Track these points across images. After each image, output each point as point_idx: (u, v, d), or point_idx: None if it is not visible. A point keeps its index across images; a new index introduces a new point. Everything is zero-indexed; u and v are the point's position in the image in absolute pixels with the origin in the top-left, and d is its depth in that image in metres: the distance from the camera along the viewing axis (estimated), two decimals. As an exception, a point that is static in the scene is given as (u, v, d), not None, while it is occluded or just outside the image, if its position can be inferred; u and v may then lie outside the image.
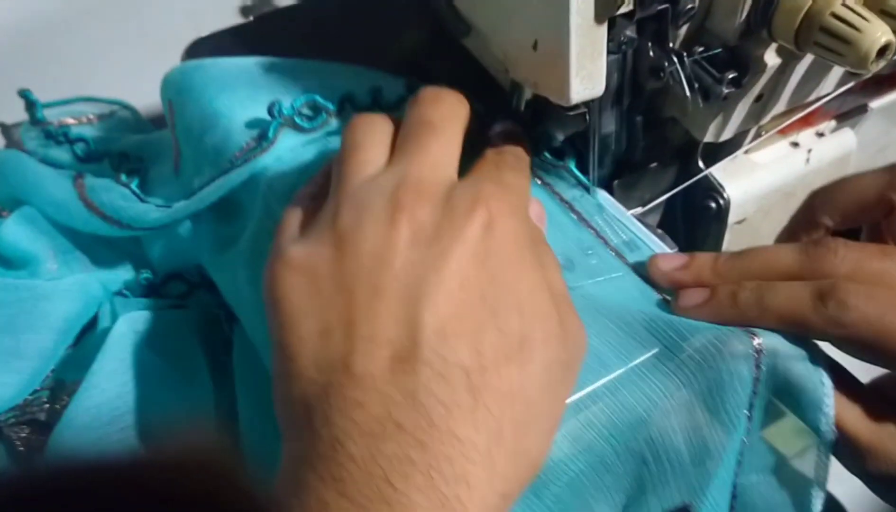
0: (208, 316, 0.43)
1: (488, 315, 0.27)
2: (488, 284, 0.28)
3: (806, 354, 0.31)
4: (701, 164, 0.41)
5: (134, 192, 0.43)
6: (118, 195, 0.42)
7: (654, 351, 0.31)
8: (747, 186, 0.41)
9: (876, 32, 0.30)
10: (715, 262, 0.34)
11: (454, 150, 0.32)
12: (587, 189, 0.38)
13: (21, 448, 0.41)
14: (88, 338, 0.43)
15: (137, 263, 0.46)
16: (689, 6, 0.33)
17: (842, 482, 0.36)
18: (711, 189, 0.41)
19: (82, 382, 0.38)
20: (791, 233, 0.37)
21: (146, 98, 0.56)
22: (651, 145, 0.40)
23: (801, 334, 0.31)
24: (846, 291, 0.30)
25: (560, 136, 0.38)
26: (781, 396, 0.32)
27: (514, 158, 0.34)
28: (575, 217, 0.37)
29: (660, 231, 0.38)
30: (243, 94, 0.41)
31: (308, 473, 0.25)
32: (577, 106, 0.34)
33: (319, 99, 0.40)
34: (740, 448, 0.33)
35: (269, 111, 0.38)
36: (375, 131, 0.33)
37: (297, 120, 0.39)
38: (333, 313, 0.27)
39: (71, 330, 0.43)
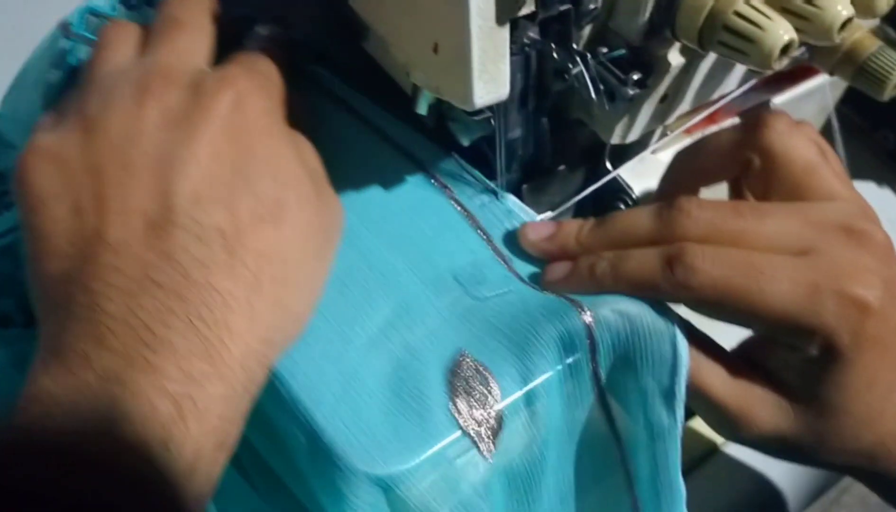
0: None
1: (242, 182, 0.29)
2: (240, 155, 0.29)
3: (660, 319, 0.32)
4: (609, 165, 0.40)
5: None
6: None
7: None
8: (655, 186, 0.40)
9: (779, 30, 0.30)
10: (579, 231, 0.34)
11: (202, 40, 0.34)
12: (496, 194, 0.37)
13: None
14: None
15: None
16: (592, 6, 0.32)
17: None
18: (620, 190, 0.40)
19: None
20: (661, 196, 0.38)
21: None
22: (559, 148, 0.39)
23: (655, 300, 0.32)
24: (693, 255, 0.30)
25: (466, 141, 0.37)
26: (631, 363, 0.32)
27: (269, 56, 0.35)
28: (472, 226, 0.36)
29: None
30: None
31: (67, 337, 0.26)
32: (481, 110, 0.33)
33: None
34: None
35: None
36: (124, 31, 0.34)
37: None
38: (84, 192, 0.28)
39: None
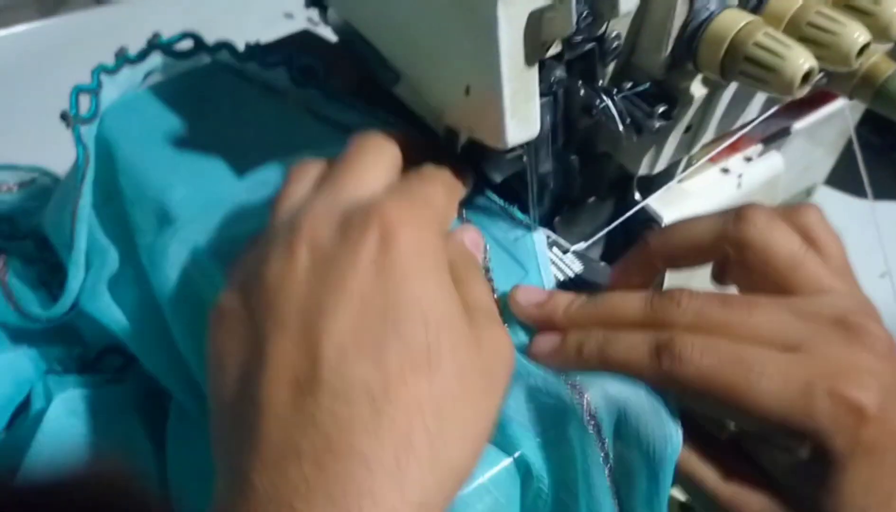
0: (148, 389, 0.42)
1: (390, 328, 0.27)
2: (388, 300, 0.28)
3: (658, 406, 0.30)
4: (637, 195, 0.41)
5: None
6: (36, 299, 0.41)
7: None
8: (682, 214, 0.41)
9: (799, 59, 0.31)
10: (569, 305, 0.34)
11: (367, 175, 0.32)
12: (529, 228, 0.38)
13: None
14: (22, 421, 0.41)
15: (69, 337, 0.44)
16: (615, 44, 0.33)
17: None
18: (649, 219, 0.41)
19: (19, 471, 0.36)
20: (625, 269, 0.36)
21: (66, 162, 0.55)
22: (588, 180, 0.40)
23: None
24: (682, 345, 0.29)
25: (498, 178, 0.38)
26: (630, 446, 0.31)
27: (432, 174, 0.34)
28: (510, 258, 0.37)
29: (602, 263, 0.39)
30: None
31: (226, 506, 0.26)
32: (513, 148, 0.34)
33: None
34: None
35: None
36: (306, 167, 0.34)
37: None
38: (248, 351, 0.28)
39: (2, 414, 0.41)
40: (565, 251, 0.38)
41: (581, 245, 0.39)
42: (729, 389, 0.29)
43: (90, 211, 0.39)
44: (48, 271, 0.44)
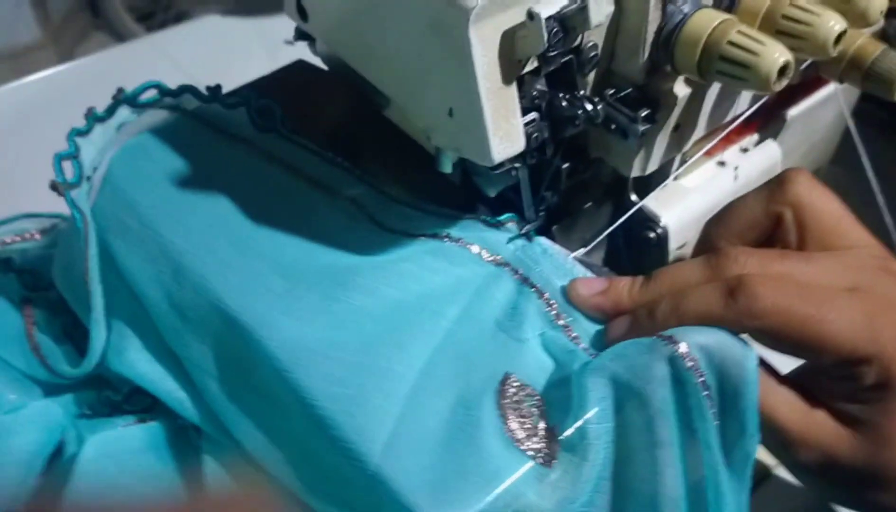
0: (176, 426, 0.43)
1: None
2: None
3: (735, 342, 0.31)
4: (634, 196, 0.42)
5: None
6: (62, 353, 0.42)
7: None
8: (681, 212, 0.42)
9: (773, 54, 0.31)
10: (632, 286, 0.35)
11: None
12: (528, 239, 0.39)
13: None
14: (56, 466, 0.43)
15: (96, 382, 0.45)
16: (592, 54, 0.34)
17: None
18: (648, 220, 0.41)
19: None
20: None
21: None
22: (583, 186, 0.41)
23: None
24: (754, 283, 0.31)
25: (492, 193, 0.38)
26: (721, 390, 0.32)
27: None
28: (508, 272, 0.38)
29: (605, 269, 0.39)
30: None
31: None
32: (501, 163, 0.35)
33: None
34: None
35: None
36: None
37: None
38: None
39: (36, 461, 0.42)
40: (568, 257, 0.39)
41: (581, 251, 0.39)
42: (804, 321, 0.31)
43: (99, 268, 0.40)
44: (72, 324, 0.45)
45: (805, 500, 0.46)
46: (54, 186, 0.40)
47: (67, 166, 0.42)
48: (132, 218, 0.41)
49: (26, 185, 0.61)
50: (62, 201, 0.56)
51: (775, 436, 0.33)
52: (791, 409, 0.33)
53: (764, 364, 0.33)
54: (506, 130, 0.32)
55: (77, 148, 0.42)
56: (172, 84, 0.45)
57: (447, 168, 0.37)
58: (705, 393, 0.31)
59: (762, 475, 0.46)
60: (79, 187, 0.41)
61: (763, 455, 0.35)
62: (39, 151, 0.53)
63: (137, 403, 0.45)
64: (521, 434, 0.32)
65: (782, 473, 0.46)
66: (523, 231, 0.39)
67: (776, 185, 0.35)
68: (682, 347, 0.31)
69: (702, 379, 0.31)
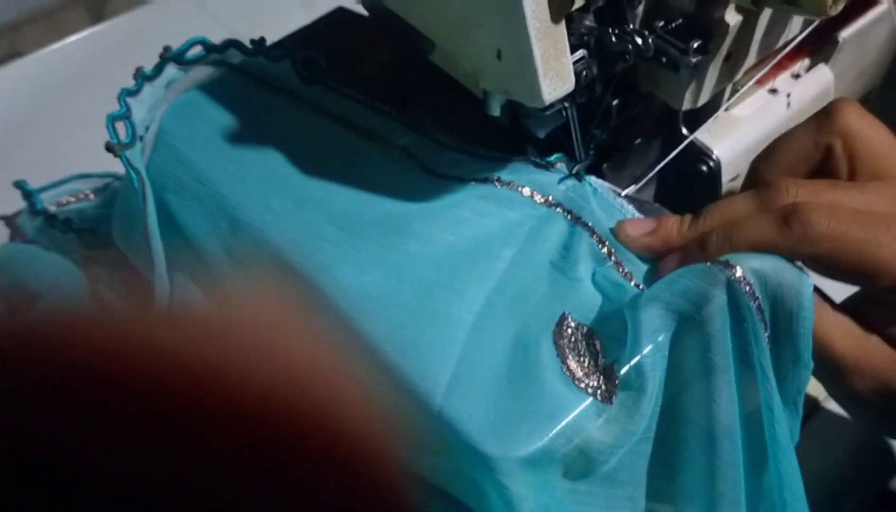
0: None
1: None
2: None
3: (791, 267, 0.31)
4: (685, 130, 0.41)
5: None
6: None
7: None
8: (734, 143, 0.41)
9: (829, -23, 0.30)
10: (681, 224, 0.35)
11: None
12: (578, 178, 0.39)
13: None
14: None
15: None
16: (641, -14, 0.33)
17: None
18: (700, 153, 0.41)
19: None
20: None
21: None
22: (633, 123, 0.40)
23: None
24: (808, 210, 0.31)
25: (542, 134, 0.38)
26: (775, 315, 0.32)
27: None
28: (561, 213, 0.38)
29: (656, 205, 0.39)
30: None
31: None
32: (552, 104, 0.35)
33: None
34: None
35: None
36: None
37: None
38: None
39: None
40: (617, 196, 0.39)
41: (632, 188, 0.39)
42: (860, 246, 0.30)
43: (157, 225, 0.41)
44: (134, 278, 0.46)
45: (854, 433, 0.46)
46: (109, 148, 0.41)
47: (120, 127, 0.43)
48: (187, 175, 0.42)
49: (73, 147, 0.62)
50: (110, 160, 0.57)
51: (829, 363, 0.33)
52: (846, 335, 0.33)
53: (818, 291, 0.33)
54: (556, 70, 0.32)
55: (128, 108, 0.42)
56: (208, 37, 0.45)
57: (495, 111, 0.37)
58: (759, 317, 0.31)
59: (811, 408, 0.47)
60: (132, 147, 0.42)
61: (812, 388, 0.35)
62: (83, 113, 0.54)
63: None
64: (579, 373, 0.33)
65: (832, 405, 0.46)
66: (574, 171, 0.39)
67: (825, 116, 0.35)
68: (738, 271, 0.31)
69: (757, 303, 0.31)
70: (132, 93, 0.43)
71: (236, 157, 0.42)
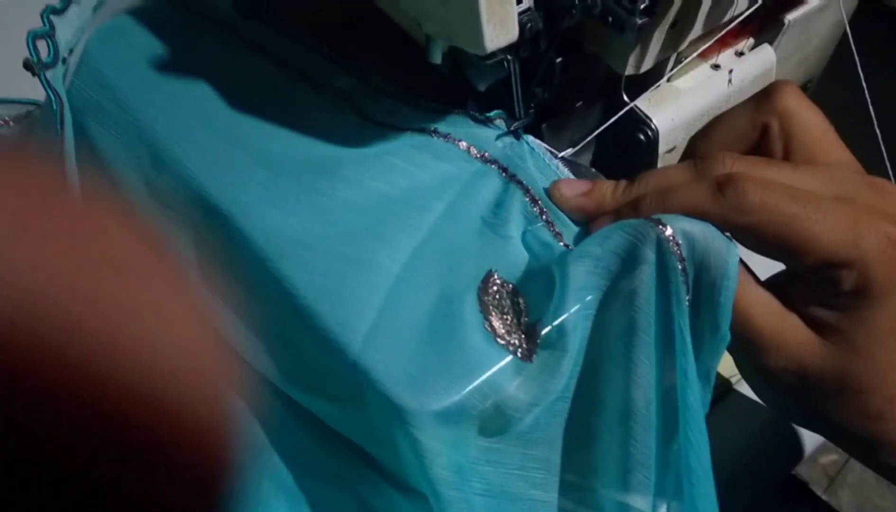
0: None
1: None
2: None
3: (718, 235, 0.31)
4: (625, 97, 0.41)
5: None
6: None
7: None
8: (673, 114, 0.41)
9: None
10: (616, 188, 0.35)
11: None
12: (516, 136, 0.38)
13: None
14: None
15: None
16: (592, -60, 0.32)
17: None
18: (639, 121, 0.41)
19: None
20: None
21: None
22: (575, 84, 0.40)
23: None
24: (743, 180, 0.31)
25: (482, 86, 0.37)
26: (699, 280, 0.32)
27: None
28: (496, 170, 0.37)
29: (593, 170, 0.38)
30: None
31: None
32: (494, 54, 0.34)
33: None
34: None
35: None
36: None
37: None
38: None
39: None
40: (554, 158, 0.38)
41: (569, 151, 0.39)
42: (791, 219, 0.30)
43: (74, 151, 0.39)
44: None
45: (763, 418, 0.47)
46: (28, 65, 0.39)
47: (42, 46, 0.40)
48: (110, 102, 0.40)
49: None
50: (36, 88, 0.55)
51: (746, 338, 0.33)
52: (766, 311, 0.33)
53: (743, 264, 0.33)
54: (500, 16, 0.31)
55: (52, 26, 0.40)
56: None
57: (437, 58, 0.36)
58: (683, 280, 0.31)
59: (723, 390, 0.47)
60: (54, 68, 0.40)
61: (724, 369, 0.35)
62: (6, 33, 0.51)
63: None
64: (501, 330, 0.32)
65: (743, 388, 0.46)
66: (512, 128, 0.38)
67: (764, 96, 0.35)
68: (668, 231, 0.31)
69: (682, 266, 0.31)
70: (57, 11, 0.41)
71: (164, 88, 0.40)
